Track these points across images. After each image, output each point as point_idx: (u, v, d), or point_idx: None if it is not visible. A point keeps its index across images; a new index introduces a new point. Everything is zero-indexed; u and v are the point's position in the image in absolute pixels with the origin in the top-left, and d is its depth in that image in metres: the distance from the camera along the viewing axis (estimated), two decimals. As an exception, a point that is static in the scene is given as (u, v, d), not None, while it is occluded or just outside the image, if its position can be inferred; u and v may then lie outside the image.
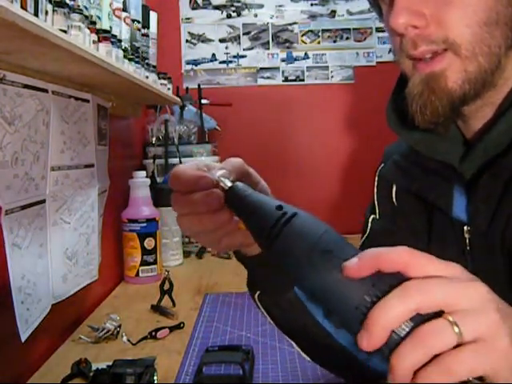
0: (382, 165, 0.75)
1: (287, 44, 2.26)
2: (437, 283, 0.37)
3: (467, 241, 0.61)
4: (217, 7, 2.24)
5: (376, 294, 0.37)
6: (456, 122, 0.64)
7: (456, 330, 0.35)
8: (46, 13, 0.75)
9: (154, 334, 1.08)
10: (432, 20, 0.55)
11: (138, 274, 1.51)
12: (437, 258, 0.39)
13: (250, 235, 0.48)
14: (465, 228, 0.61)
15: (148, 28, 1.38)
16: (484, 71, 0.56)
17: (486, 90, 0.58)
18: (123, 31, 1.16)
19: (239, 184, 0.49)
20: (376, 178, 0.76)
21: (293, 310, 0.61)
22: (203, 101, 2.02)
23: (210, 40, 2.25)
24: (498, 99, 0.59)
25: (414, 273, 0.37)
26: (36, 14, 0.70)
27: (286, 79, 2.26)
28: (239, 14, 2.24)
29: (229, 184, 0.49)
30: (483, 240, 0.59)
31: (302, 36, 2.26)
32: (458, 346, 0.35)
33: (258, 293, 0.63)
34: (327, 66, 2.26)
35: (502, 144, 0.56)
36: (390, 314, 0.36)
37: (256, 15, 2.25)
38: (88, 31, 0.92)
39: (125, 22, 1.17)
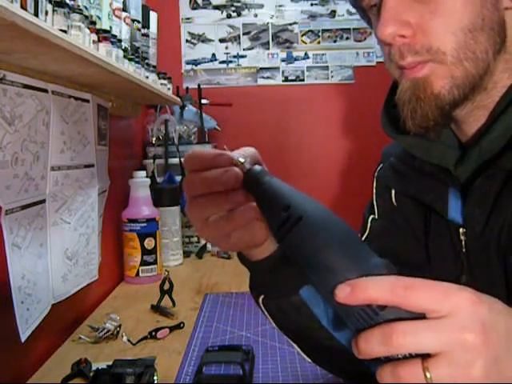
0: (381, 165, 0.75)
1: (287, 44, 2.26)
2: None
3: (463, 243, 0.61)
4: (217, 7, 2.24)
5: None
6: (449, 126, 0.64)
7: (428, 375, 0.37)
8: (46, 13, 0.75)
9: (154, 334, 1.08)
10: (418, 29, 0.56)
11: (138, 274, 1.51)
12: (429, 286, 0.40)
13: (259, 234, 0.48)
14: (460, 230, 0.61)
15: (148, 28, 1.38)
16: (472, 76, 0.56)
17: (475, 93, 0.58)
18: (123, 31, 1.16)
19: (258, 167, 0.47)
20: (374, 179, 0.76)
21: (297, 314, 0.61)
22: (203, 101, 2.02)
23: (210, 40, 2.25)
24: (488, 102, 0.59)
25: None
26: (36, 14, 0.70)
27: (286, 79, 2.26)
28: (239, 14, 2.24)
29: (247, 166, 0.47)
30: (479, 242, 0.59)
31: (302, 36, 2.26)
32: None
33: (261, 297, 0.62)
34: (327, 66, 2.26)
35: (497, 148, 0.57)
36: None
37: (256, 15, 2.25)
38: (88, 31, 0.92)
39: (125, 22, 1.17)
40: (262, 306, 0.63)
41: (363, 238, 0.76)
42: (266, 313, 0.64)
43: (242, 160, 0.47)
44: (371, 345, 0.39)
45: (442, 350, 0.37)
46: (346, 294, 0.39)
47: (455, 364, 0.37)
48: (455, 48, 0.55)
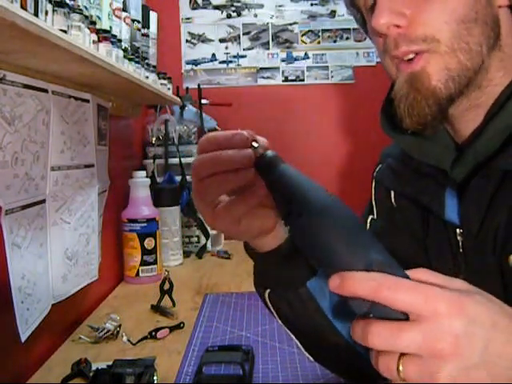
0: (379, 166, 0.76)
1: (287, 44, 2.26)
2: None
3: (460, 244, 0.61)
4: (217, 7, 2.24)
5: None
6: (444, 125, 0.64)
7: (400, 368, 0.40)
8: (46, 13, 0.75)
9: (154, 334, 1.08)
10: (413, 19, 0.57)
11: (138, 274, 1.51)
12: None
13: (269, 219, 0.51)
14: (457, 231, 0.61)
15: (148, 28, 1.38)
16: (466, 69, 0.57)
17: (470, 90, 0.59)
18: (123, 31, 1.16)
19: (271, 152, 0.48)
20: (373, 180, 0.77)
21: (304, 307, 0.61)
22: (203, 101, 2.02)
23: (210, 40, 2.25)
24: (483, 101, 0.60)
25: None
26: (36, 14, 0.70)
27: (286, 79, 2.26)
28: (239, 14, 2.24)
29: (261, 150, 0.48)
30: (475, 242, 0.59)
31: (302, 36, 2.26)
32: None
33: (267, 291, 0.63)
34: (327, 66, 2.26)
35: (492, 148, 0.57)
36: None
37: (256, 15, 2.24)
38: (88, 31, 0.92)
39: (125, 21, 1.17)
40: (267, 300, 0.63)
41: None
42: (271, 308, 0.64)
43: (255, 145, 0.49)
44: (354, 336, 0.42)
45: (414, 351, 0.39)
46: (336, 284, 0.41)
47: (424, 366, 0.39)
48: (449, 37, 0.56)
